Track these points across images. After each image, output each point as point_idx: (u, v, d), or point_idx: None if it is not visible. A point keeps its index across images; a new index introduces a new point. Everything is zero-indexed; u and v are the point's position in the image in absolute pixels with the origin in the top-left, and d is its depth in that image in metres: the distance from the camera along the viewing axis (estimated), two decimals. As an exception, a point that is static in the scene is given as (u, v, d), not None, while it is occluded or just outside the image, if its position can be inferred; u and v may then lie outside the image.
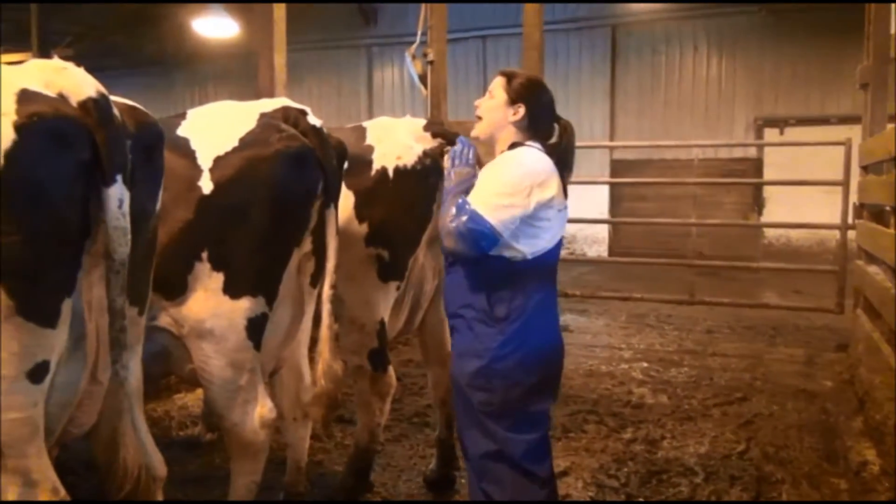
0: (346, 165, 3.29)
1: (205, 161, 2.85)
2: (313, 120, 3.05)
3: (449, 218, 2.58)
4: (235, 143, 2.87)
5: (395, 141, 3.65)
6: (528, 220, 2.60)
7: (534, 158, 2.68)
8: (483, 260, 2.62)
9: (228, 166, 2.83)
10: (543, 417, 2.79)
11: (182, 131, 2.95)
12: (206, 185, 2.81)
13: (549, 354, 2.77)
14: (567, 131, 2.82)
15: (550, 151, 2.75)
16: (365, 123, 3.83)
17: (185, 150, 2.87)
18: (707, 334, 8.05)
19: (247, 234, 2.84)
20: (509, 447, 2.69)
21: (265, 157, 2.85)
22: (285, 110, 3.05)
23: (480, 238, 2.54)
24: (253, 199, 2.84)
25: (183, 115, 3.09)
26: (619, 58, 15.11)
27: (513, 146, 2.74)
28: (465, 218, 2.54)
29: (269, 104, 3.11)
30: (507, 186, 2.59)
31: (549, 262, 2.74)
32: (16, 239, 1.92)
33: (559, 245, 2.77)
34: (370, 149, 3.63)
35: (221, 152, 2.86)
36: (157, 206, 2.47)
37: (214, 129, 2.96)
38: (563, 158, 2.76)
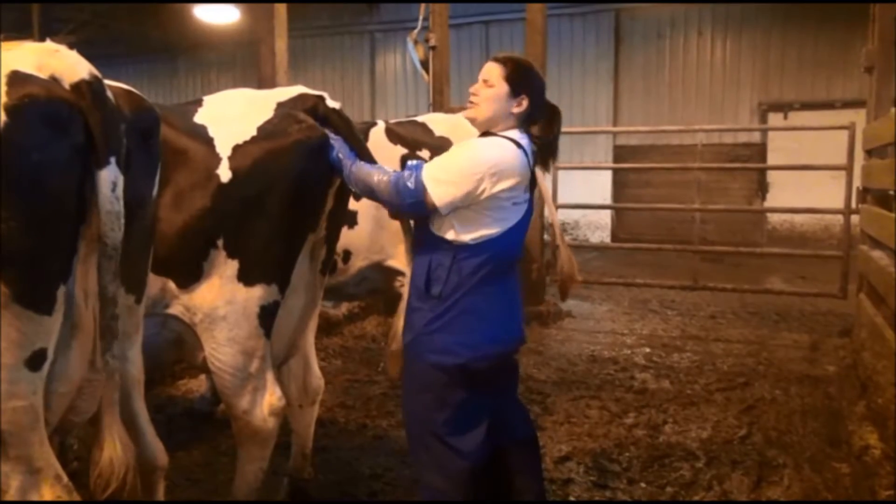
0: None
1: (223, 149, 2.84)
2: (332, 103, 3.05)
3: (395, 175, 2.66)
4: (254, 133, 2.87)
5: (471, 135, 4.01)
6: (475, 207, 2.60)
7: (498, 150, 2.65)
8: (429, 239, 2.69)
9: (247, 155, 2.83)
10: (469, 401, 2.72)
11: (199, 118, 2.94)
12: (224, 174, 2.81)
13: (489, 349, 2.72)
14: (556, 118, 2.81)
15: (543, 143, 2.76)
16: (421, 118, 4.24)
17: (203, 138, 2.86)
18: (711, 320, 8.04)
19: (263, 223, 2.85)
20: (430, 420, 2.71)
21: (284, 147, 2.85)
22: (303, 98, 3.04)
23: (406, 194, 2.61)
24: (270, 189, 2.84)
25: (199, 102, 3.08)
26: (623, 42, 15.01)
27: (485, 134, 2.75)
28: (407, 173, 2.63)
29: (285, 92, 3.09)
30: (456, 167, 2.62)
31: (501, 255, 2.70)
32: (10, 225, 1.88)
33: (517, 241, 2.75)
34: (447, 141, 4.06)
35: (240, 141, 2.85)
36: (153, 192, 2.44)
37: (232, 118, 2.95)
38: (552, 147, 2.80)
